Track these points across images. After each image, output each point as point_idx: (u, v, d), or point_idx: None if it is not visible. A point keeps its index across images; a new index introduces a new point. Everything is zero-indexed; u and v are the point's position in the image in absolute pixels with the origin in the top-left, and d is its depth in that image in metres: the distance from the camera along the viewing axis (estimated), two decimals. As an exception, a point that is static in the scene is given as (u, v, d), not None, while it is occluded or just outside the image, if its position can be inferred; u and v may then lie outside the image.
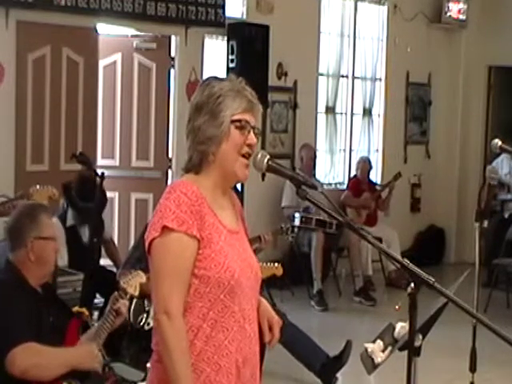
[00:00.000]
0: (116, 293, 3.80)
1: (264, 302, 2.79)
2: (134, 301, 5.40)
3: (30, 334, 3.52)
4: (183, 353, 2.45)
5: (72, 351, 3.67)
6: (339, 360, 5.90)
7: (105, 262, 6.93)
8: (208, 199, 2.55)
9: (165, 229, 2.47)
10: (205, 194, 2.55)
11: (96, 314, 6.06)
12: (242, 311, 2.57)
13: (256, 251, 2.79)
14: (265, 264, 5.59)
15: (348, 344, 5.92)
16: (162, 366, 2.49)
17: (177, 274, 2.47)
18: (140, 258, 5.40)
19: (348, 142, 10.36)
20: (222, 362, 2.52)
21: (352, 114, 10.36)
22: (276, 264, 5.80)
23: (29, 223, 3.70)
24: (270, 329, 2.77)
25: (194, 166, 2.59)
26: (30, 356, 3.49)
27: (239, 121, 2.57)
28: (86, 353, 3.67)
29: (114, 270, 6.64)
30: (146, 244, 2.53)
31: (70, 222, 6.50)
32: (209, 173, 2.59)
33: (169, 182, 8.48)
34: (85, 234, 6.53)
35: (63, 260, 6.24)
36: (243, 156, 2.58)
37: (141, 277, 3.89)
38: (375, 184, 9.91)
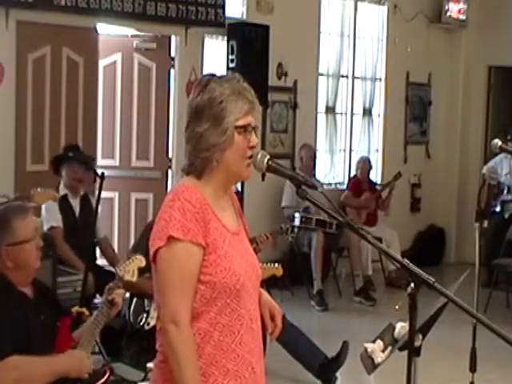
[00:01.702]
0: (111, 283, 3.69)
1: (264, 292, 2.78)
2: (134, 300, 5.41)
3: (11, 345, 3.41)
4: (192, 361, 2.45)
5: (59, 359, 3.53)
6: (336, 361, 5.91)
7: (104, 262, 6.93)
8: (211, 203, 2.54)
9: (170, 238, 2.46)
10: (207, 198, 2.54)
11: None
12: (248, 312, 2.57)
13: (255, 251, 2.78)
14: (265, 264, 5.59)
15: (345, 345, 5.93)
16: (166, 366, 2.49)
17: (183, 283, 2.47)
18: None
19: (348, 142, 10.37)
20: (229, 366, 2.52)
21: (352, 114, 10.36)
22: (276, 264, 5.80)
23: (0, 231, 3.59)
24: (272, 318, 2.77)
25: (197, 171, 2.57)
26: (10, 371, 3.38)
27: (242, 126, 2.55)
28: (75, 361, 3.55)
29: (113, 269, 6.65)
30: (151, 252, 2.52)
31: (62, 191, 6.53)
32: (212, 177, 2.57)
33: (169, 181, 8.48)
34: (76, 205, 6.63)
35: (58, 222, 6.44)
36: (246, 158, 2.57)
37: (140, 260, 3.75)
38: (375, 184, 9.91)
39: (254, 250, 2.89)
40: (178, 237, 2.46)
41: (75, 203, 6.64)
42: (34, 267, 3.68)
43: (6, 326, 3.46)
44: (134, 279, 3.75)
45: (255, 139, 2.59)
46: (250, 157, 2.58)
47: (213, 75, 2.62)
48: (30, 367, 3.44)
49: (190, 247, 2.47)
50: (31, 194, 5.29)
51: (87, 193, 6.77)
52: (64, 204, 6.53)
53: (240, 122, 2.54)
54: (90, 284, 6.13)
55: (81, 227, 6.45)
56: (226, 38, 8.39)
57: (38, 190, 5.36)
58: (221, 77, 2.61)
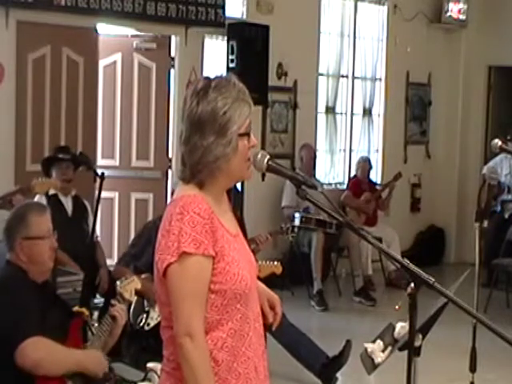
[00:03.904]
0: (113, 299, 3.85)
1: (259, 283, 2.75)
2: (134, 301, 5.41)
3: (38, 327, 3.53)
4: (209, 374, 2.44)
5: (82, 353, 3.66)
6: (339, 360, 5.90)
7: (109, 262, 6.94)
8: (214, 209, 2.51)
9: (183, 254, 2.43)
10: (211, 204, 2.50)
11: (96, 313, 6.06)
12: (253, 313, 2.57)
13: (255, 252, 2.78)
14: (264, 262, 5.58)
15: (347, 344, 5.91)
16: (181, 373, 2.47)
17: (196, 296, 2.45)
18: (136, 255, 5.44)
19: (348, 142, 10.37)
20: (240, 369, 2.52)
21: (352, 114, 10.36)
22: (275, 262, 5.79)
23: (17, 224, 3.74)
24: (271, 308, 2.76)
25: (200, 181, 2.52)
26: (41, 349, 3.49)
27: (245, 133, 2.53)
28: (96, 359, 3.67)
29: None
30: (160, 267, 2.47)
31: (52, 191, 6.46)
32: (214, 184, 2.54)
33: (169, 181, 8.47)
34: (68, 204, 6.62)
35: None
36: (247, 160, 2.56)
37: (136, 283, 3.92)
38: (375, 184, 9.91)
39: (253, 250, 2.89)
40: (190, 251, 2.43)
41: (67, 203, 6.62)
42: (46, 266, 3.79)
43: (31, 312, 3.57)
44: (132, 299, 3.95)
45: (254, 139, 2.58)
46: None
47: (207, 79, 2.57)
48: (56, 351, 3.56)
49: (202, 260, 2.44)
50: (32, 184, 5.28)
51: (79, 194, 6.77)
52: (55, 203, 6.47)
53: (242, 129, 2.52)
54: (104, 280, 6.32)
55: (74, 227, 6.44)
56: (226, 37, 8.38)
57: (39, 179, 5.34)
58: (217, 83, 2.54)
